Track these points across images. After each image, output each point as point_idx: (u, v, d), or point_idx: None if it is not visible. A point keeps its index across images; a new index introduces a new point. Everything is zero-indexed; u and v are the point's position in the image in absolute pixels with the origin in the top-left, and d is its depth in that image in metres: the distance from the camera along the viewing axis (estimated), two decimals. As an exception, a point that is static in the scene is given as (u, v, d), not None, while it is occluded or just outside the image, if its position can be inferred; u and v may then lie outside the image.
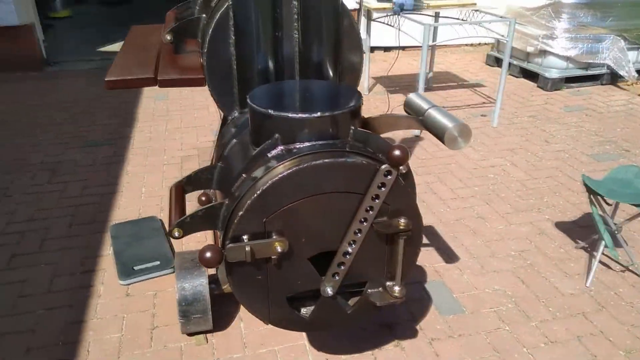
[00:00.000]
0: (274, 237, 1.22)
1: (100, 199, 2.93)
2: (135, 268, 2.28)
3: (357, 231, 1.29)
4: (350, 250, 1.30)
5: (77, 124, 4.05)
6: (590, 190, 2.20)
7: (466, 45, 6.45)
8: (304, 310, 1.41)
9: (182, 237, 1.34)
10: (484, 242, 2.58)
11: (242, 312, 2.07)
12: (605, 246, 2.22)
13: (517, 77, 5.13)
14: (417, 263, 2.28)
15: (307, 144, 1.28)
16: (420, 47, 3.68)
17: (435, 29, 4.64)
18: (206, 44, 1.56)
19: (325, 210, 1.26)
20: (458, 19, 4.27)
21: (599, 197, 2.18)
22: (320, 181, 1.22)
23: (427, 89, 4.88)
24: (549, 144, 3.67)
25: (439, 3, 4.17)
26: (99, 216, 2.76)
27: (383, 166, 1.22)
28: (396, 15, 3.95)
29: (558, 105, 4.44)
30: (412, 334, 2.00)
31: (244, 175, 1.29)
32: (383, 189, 1.25)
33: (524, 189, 3.07)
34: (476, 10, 4.09)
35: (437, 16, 4.54)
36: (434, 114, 1.49)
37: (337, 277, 1.33)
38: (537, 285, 2.27)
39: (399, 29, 3.95)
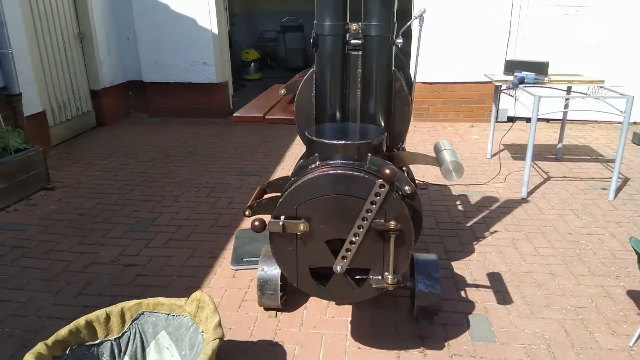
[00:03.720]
0: (301, 220, 1.81)
1: (238, 212, 3.79)
2: (244, 259, 3.01)
3: (360, 226, 1.79)
4: (354, 240, 1.81)
5: (239, 158, 5.13)
6: (638, 254, 2.31)
7: (617, 122, 6.26)
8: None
9: (251, 216, 1.99)
10: (544, 294, 2.75)
11: (308, 302, 2.64)
12: (655, 311, 2.28)
13: (661, 156, 4.91)
14: (469, 298, 2.62)
15: (336, 162, 1.86)
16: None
17: (568, 101, 4.78)
18: (296, 94, 2.27)
19: (338, 207, 1.80)
20: (586, 94, 4.41)
21: (646, 259, 2.28)
22: (335, 185, 1.78)
23: (555, 159, 4.98)
24: (664, 222, 3.57)
25: (562, 78, 4.38)
26: (233, 223, 3.61)
27: (379, 180, 1.73)
28: (517, 88, 4.27)
29: (697, 187, 4.18)
30: (439, 347, 2.34)
31: (293, 178, 1.91)
32: (378, 197, 1.75)
33: (611, 258, 3.11)
34: (601, 87, 4.20)
35: (569, 90, 4.71)
36: (445, 154, 1.94)
37: (345, 260, 1.84)
38: (578, 335, 2.40)
39: (516, 100, 4.26)
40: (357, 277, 1.93)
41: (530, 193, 4.13)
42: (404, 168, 2.08)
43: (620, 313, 2.57)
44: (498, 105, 4.97)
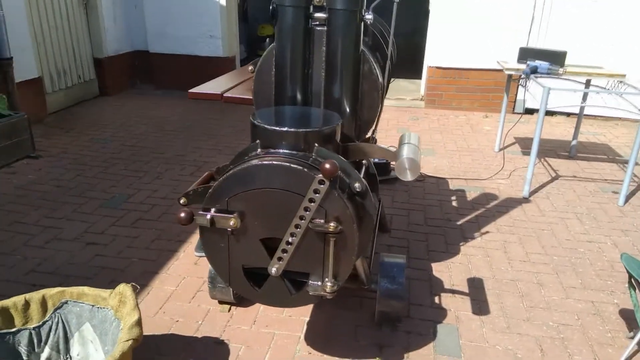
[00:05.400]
0: (232, 214, 1.60)
1: (217, 194, 3.61)
2: (209, 246, 2.83)
3: (297, 225, 1.58)
4: (291, 240, 1.60)
5: (235, 137, 4.94)
6: (628, 272, 2.05)
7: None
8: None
9: (186, 205, 1.80)
10: (526, 306, 2.50)
11: (266, 298, 2.45)
12: (644, 337, 2.03)
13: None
14: (441, 305, 2.40)
15: (278, 151, 1.64)
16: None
17: (585, 95, 4.42)
18: (254, 72, 2.05)
19: (274, 203, 1.59)
20: (604, 88, 4.06)
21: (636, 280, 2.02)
22: (270, 178, 1.56)
23: (569, 157, 4.65)
24: (675, 234, 3.25)
25: (580, 70, 4.03)
26: (209, 205, 3.44)
27: (318, 175, 1.51)
28: (528, 78, 3.95)
29: None
30: (396, 358, 2.13)
31: (230, 166, 1.71)
32: (317, 194, 1.53)
33: (609, 270, 2.83)
34: (621, 82, 3.85)
35: (587, 84, 4.35)
36: (404, 148, 1.70)
37: (281, 261, 1.63)
38: (555, 357, 2.16)
39: (526, 90, 3.94)
40: (299, 280, 1.73)
41: (533, 192, 3.83)
42: (364, 162, 1.85)
43: (607, 334, 2.31)
44: (515, 95, 4.63)
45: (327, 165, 1.47)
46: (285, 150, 1.65)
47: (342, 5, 1.85)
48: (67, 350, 1.86)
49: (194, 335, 2.21)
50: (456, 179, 4.06)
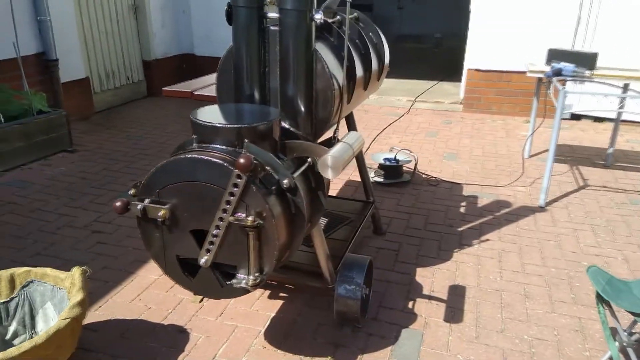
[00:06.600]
0: (163, 206, 1.68)
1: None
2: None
3: (221, 218, 1.63)
4: (215, 233, 1.65)
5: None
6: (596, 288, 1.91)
7: None
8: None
9: (135, 196, 1.90)
10: (504, 317, 2.39)
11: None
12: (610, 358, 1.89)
13: None
14: (413, 310, 2.36)
15: (210, 145, 1.70)
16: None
17: (623, 100, 4.12)
18: (217, 71, 2.12)
19: (201, 196, 1.64)
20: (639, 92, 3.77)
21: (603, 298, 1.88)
22: (195, 171, 1.62)
23: (604, 165, 4.35)
24: (701, 251, 2.97)
25: (612, 73, 3.77)
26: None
27: (235, 170, 1.55)
28: (550, 81, 3.75)
29: None
30: (349, 359, 2.12)
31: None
32: (236, 188, 1.57)
33: (609, 286, 2.63)
34: (654, 84, 3.56)
35: (625, 88, 4.06)
36: (336, 147, 1.70)
37: (209, 253, 1.69)
38: (516, 372, 2.06)
39: (547, 93, 3.74)
40: (232, 273, 1.77)
41: (552, 201, 3.63)
42: (309, 160, 1.86)
43: (585, 353, 2.16)
44: (547, 98, 4.41)
45: (241, 160, 1.51)
46: (217, 145, 1.71)
47: (292, 5, 1.87)
48: (33, 325, 2.02)
49: (161, 323, 2.32)
50: (472, 185, 3.93)
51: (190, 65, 7.03)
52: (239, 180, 1.56)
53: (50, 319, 2.00)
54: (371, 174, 4.01)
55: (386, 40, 2.72)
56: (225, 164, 1.59)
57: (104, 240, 3.03)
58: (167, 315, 2.37)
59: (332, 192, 3.76)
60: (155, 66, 6.63)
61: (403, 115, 5.82)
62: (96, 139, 4.89)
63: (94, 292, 2.53)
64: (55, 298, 1.99)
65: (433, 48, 10.47)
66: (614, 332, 1.92)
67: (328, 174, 1.65)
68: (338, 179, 4.01)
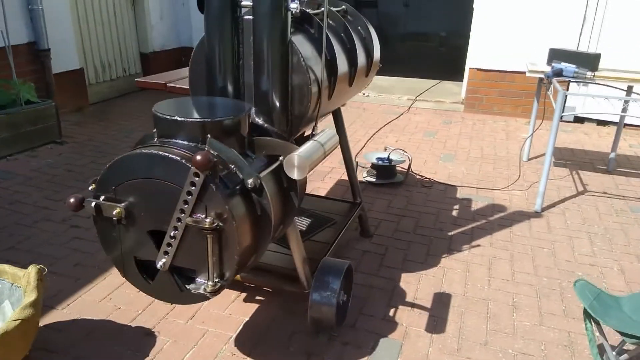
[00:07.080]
0: (118, 203, 1.58)
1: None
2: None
3: (178, 219, 1.52)
4: (173, 234, 1.55)
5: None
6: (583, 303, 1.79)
7: None
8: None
9: (97, 192, 1.81)
10: (489, 329, 2.27)
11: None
12: (597, 378, 1.77)
13: None
14: (394, 319, 2.25)
15: (170, 140, 1.60)
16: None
17: (626, 103, 3.98)
18: (189, 63, 2.02)
19: (158, 194, 1.54)
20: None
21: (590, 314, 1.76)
22: (150, 168, 1.51)
23: (606, 171, 4.21)
24: (701, 264, 2.83)
25: (615, 75, 3.62)
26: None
27: (192, 168, 1.44)
28: (549, 82, 3.61)
29: None
30: (322, 369, 2.01)
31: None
32: (193, 187, 1.46)
33: (603, 299, 2.50)
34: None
35: (629, 91, 3.92)
36: (304, 145, 1.59)
37: (167, 256, 1.58)
38: (497, 389, 1.94)
39: (547, 94, 3.61)
40: (192, 277, 1.67)
41: (549, 207, 3.50)
42: (280, 157, 1.75)
43: (571, 370, 2.04)
44: (547, 100, 4.28)
45: (198, 157, 1.41)
46: (178, 141, 1.60)
47: (266, -7, 1.76)
48: (-9, 324, 1.93)
49: (129, 324, 2.22)
50: (467, 188, 3.80)
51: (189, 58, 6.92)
52: (197, 178, 1.45)
53: (8, 318, 1.91)
54: (364, 174, 3.90)
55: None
56: (182, 161, 1.48)
57: (81, 236, 2.94)
58: (136, 317, 2.27)
59: (322, 191, 3.65)
60: (152, 59, 6.54)
61: (402, 114, 5.70)
62: (87, 131, 4.81)
63: (63, 289, 2.44)
64: (13, 296, 1.90)
65: (438, 46, 10.31)
66: (602, 350, 1.80)
67: (294, 174, 1.54)
68: (329, 178, 3.90)
